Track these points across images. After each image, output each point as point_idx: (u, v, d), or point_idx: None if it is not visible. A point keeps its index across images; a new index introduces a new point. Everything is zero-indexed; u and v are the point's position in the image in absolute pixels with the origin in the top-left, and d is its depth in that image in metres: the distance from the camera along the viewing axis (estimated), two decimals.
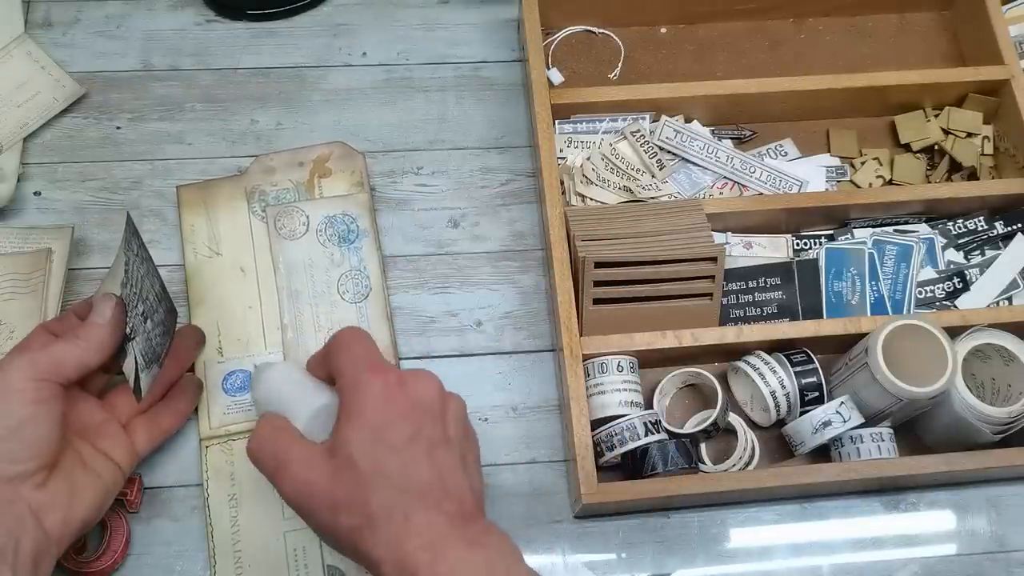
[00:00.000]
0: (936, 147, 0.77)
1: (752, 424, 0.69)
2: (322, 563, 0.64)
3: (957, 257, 0.73)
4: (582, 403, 0.64)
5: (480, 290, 0.73)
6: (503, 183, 0.77)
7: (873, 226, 0.74)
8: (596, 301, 0.67)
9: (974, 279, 0.72)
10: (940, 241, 0.73)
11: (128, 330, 0.58)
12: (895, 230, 0.73)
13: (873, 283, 0.71)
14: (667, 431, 0.66)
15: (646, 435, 0.64)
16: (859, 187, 0.76)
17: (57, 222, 0.73)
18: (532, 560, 0.65)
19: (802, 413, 0.66)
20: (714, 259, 0.67)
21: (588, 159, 0.75)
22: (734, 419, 0.68)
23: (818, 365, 0.67)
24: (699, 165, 0.76)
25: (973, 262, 0.73)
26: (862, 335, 0.66)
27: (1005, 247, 0.73)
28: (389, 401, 0.53)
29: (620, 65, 0.81)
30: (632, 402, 0.66)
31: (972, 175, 0.76)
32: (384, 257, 0.73)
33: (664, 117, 0.76)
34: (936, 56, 0.83)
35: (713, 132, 0.77)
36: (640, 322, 0.67)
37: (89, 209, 0.74)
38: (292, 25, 0.82)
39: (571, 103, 0.75)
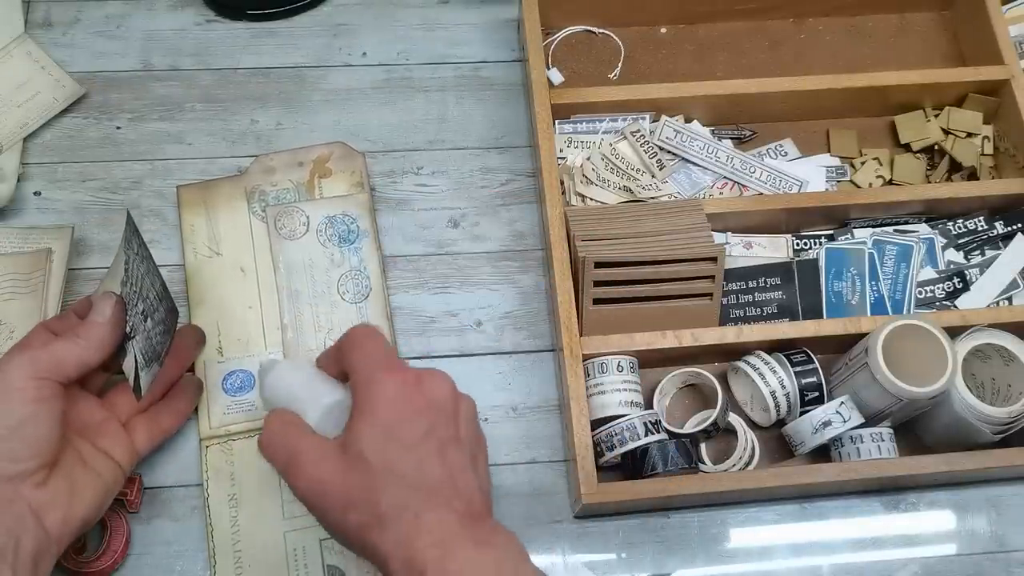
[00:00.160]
0: (936, 147, 0.78)
1: (752, 424, 0.69)
2: (322, 563, 0.64)
3: (957, 257, 0.73)
4: (582, 403, 0.64)
5: (480, 290, 0.73)
6: (503, 183, 0.77)
7: (873, 226, 0.74)
8: (596, 301, 0.67)
9: (974, 279, 0.72)
10: (940, 241, 0.73)
11: (128, 329, 0.58)
12: (895, 230, 0.73)
13: (873, 283, 0.71)
14: (667, 431, 0.66)
15: (646, 435, 0.64)
16: (859, 187, 0.76)
17: (57, 222, 0.73)
18: (533, 560, 0.64)
19: (802, 413, 0.66)
20: (714, 259, 0.67)
21: (588, 159, 0.75)
22: (734, 419, 0.68)
23: (818, 365, 0.67)
24: (699, 165, 0.76)
25: (973, 262, 0.73)
26: (862, 335, 0.66)
27: (1005, 247, 0.73)
28: (403, 399, 0.53)
29: (620, 65, 0.81)
30: (632, 402, 0.66)
31: (972, 175, 0.76)
32: (384, 257, 0.73)
33: (664, 117, 0.76)
34: (936, 56, 0.83)
35: (713, 132, 0.77)
36: (640, 322, 0.67)
37: (89, 209, 0.74)
38: (292, 25, 0.82)
39: (571, 103, 0.75)
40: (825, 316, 0.70)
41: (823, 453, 0.67)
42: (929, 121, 0.78)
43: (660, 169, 0.75)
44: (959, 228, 0.74)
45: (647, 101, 0.76)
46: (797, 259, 0.72)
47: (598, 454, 0.65)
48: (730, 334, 0.67)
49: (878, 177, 0.76)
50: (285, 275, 0.71)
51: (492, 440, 0.68)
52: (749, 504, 0.67)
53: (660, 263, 0.67)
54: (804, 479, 0.63)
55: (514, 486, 0.67)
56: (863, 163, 0.77)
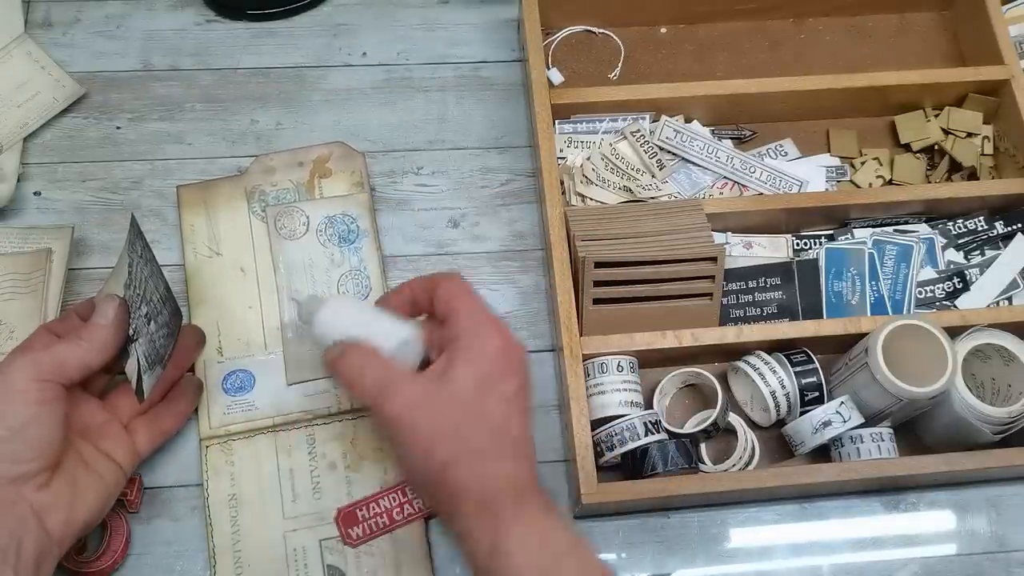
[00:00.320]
0: (936, 147, 0.78)
1: (752, 424, 0.69)
2: (322, 563, 0.64)
3: (957, 257, 0.73)
4: (582, 403, 0.64)
5: (480, 290, 0.73)
6: (503, 183, 0.77)
7: (873, 226, 0.74)
8: (596, 301, 0.67)
9: (974, 279, 0.72)
10: (940, 241, 0.73)
11: (131, 331, 0.59)
12: (895, 230, 0.73)
13: (873, 283, 0.71)
14: (667, 431, 0.66)
15: (646, 435, 0.64)
16: (859, 187, 0.76)
17: (57, 222, 0.73)
18: None
19: (802, 413, 0.66)
20: (714, 259, 0.67)
21: (588, 159, 0.75)
22: (734, 419, 0.68)
23: (818, 365, 0.67)
24: (699, 165, 0.76)
25: (973, 262, 0.73)
26: (862, 335, 0.66)
27: (1005, 247, 0.73)
28: (506, 356, 0.56)
29: (620, 65, 0.81)
30: (632, 402, 0.66)
31: (972, 175, 0.76)
32: (384, 257, 0.73)
33: (664, 117, 0.76)
34: (936, 56, 0.83)
35: (713, 132, 0.77)
36: (640, 322, 0.67)
37: (89, 209, 0.74)
38: (292, 25, 0.82)
39: (571, 103, 0.75)
40: (825, 316, 0.70)
41: (823, 453, 0.67)
42: (929, 121, 0.78)
43: (660, 169, 0.75)
44: (959, 228, 0.74)
45: (647, 101, 0.76)
46: (797, 259, 0.72)
47: (598, 454, 0.65)
48: (730, 334, 0.67)
49: (878, 177, 0.76)
50: (285, 275, 0.71)
51: None
52: (749, 504, 0.67)
53: (660, 263, 0.67)
54: (804, 479, 0.63)
55: None
56: (863, 163, 0.77)
